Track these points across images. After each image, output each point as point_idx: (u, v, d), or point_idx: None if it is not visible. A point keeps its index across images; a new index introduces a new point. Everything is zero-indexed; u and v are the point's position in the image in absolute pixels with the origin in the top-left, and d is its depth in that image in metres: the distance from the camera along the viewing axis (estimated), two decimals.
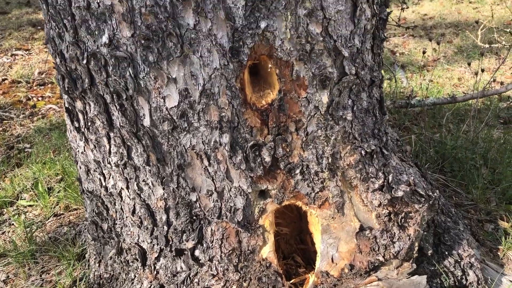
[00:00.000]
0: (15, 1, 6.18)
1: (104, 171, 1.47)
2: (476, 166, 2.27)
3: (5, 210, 2.22)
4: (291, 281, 1.53)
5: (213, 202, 1.38)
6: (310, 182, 1.38)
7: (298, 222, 1.68)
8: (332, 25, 1.22)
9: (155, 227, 1.45)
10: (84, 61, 1.26)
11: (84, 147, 1.47)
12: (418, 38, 4.98)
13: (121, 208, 1.50)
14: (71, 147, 1.61)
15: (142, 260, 1.51)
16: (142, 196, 1.42)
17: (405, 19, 5.55)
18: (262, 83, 1.32)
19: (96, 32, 1.21)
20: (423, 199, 1.44)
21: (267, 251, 1.43)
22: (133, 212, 1.46)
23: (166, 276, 1.48)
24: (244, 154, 1.31)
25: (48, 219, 2.16)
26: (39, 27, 5.15)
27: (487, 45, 3.37)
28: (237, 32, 1.16)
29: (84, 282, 1.71)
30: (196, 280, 1.45)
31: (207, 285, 1.44)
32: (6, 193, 2.33)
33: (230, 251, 1.41)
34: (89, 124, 1.39)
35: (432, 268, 1.56)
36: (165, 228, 1.43)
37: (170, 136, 1.30)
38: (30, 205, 2.27)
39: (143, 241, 1.49)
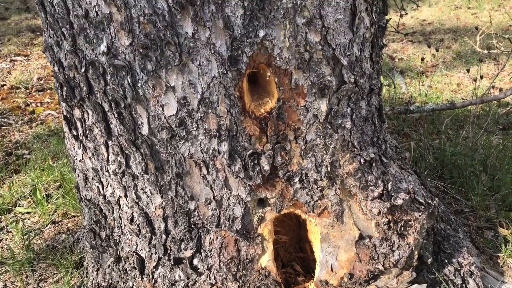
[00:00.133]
0: (14, 6, 6.19)
1: (102, 179, 1.46)
2: (476, 172, 2.26)
3: (3, 217, 2.21)
4: None
5: (211, 210, 1.38)
6: (309, 190, 1.37)
7: (297, 230, 1.68)
8: (331, 33, 1.22)
9: (153, 236, 1.44)
10: (82, 70, 1.26)
11: (82, 155, 1.47)
12: (417, 44, 5.00)
13: (119, 216, 1.49)
14: (69, 154, 1.60)
15: (140, 268, 1.50)
16: (140, 204, 1.42)
17: (403, 24, 5.56)
18: (261, 91, 1.32)
19: (95, 41, 1.21)
20: (423, 207, 1.44)
21: (266, 260, 1.42)
22: (131, 221, 1.46)
23: (164, 285, 1.47)
24: (243, 163, 1.31)
25: (46, 226, 2.15)
26: (38, 33, 5.15)
27: (485, 51, 3.38)
28: (235, 41, 1.16)
29: None
30: None
31: None
32: (4, 200, 2.32)
33: (229, 260, 1.40)
34: (87, 132, 1.38)
35: (432, 276, 1.55)
36: (164, 236, 1.43)
37: (168, 145, 1.30)
38: (28, 212, 2.26)
39: (141, 249, 1.48)
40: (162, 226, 1.42)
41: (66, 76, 1.32)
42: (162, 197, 1.37)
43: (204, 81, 1.21)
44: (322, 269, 1.45)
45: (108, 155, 1.37)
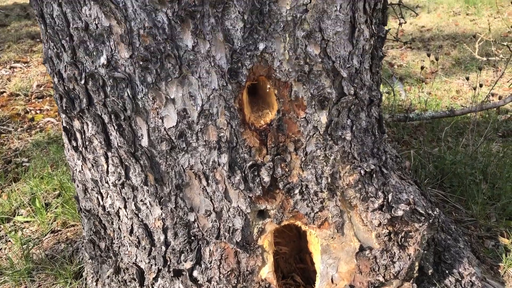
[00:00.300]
0: (14, 13, 6.20)
1: (101, 190, 1.45)
2: (476, 181, 2.26)
3: (1, 226, 2.20)
4: None
5: (211, 222, 1.37)
6: (310, 202, 1.37)
7: (298, 241, 1.67)
8: (331, 46, 1.22)
9: (153, 247, 1.44)
10: (82, 82, 1.26)
11: (81, 166, 1.46)
12: (416, 50, 5.01)
13: (119, 228, 1.49)
14: (69, 165, 1.60)
15: (140, 280, 1.49)
16: (140, 216, 1.41)
17: (402, 31, 5.58)
18: (260, 103, 1.32)
19: (94, 53, 1.21)
20: (423, 218, 1.44)
21: (266, 272, 1.42)
22: (131, 232, 1.45)
23: None
24: (243, 174, 1.31)
25: (45, 235, 2.14)
26: (38, 40, 5.16)
27: (484, 58, 3.38)
28: (235, 54, 1.16)
29: None
30: None
31: None
32: (3, 208, 2.31)
33: (229, 272, 1.39)
34: (87, 143, 1.38)
35: (433, 287, 1.55)
36: (163, 248, 1.42)
37: (168, 156, 1.30)
38: (27, 221, 2.25)
39: (141, 261, 1.48)
40: (162, 237, 1.41)
41: (66, 88, 1.31)
42: (161, 208, 1.37)
43: (204, 93, 1.21)
44: (322, 280, 1.45)
45: (108, 166, 1.37)
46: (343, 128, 1.33)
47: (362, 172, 1.37)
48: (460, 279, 1.59)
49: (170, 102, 1.22)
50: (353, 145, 1.35)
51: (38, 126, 3.34)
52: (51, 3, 1.22)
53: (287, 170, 1.33)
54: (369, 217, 1.39)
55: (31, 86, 3.96)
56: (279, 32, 1.16)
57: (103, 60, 1.20)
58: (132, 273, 1.50)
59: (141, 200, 1.38)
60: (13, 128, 3.28)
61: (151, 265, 1.45)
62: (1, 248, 2.07)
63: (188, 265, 1.40)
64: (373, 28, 1.33)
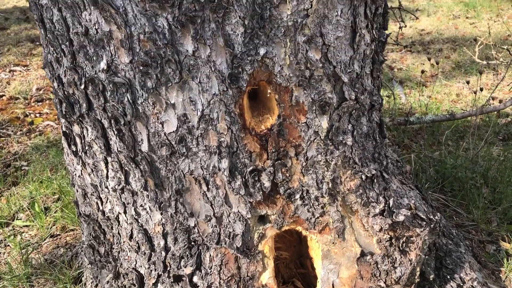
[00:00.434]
0: (14, 16, 6.21)
1: (101, 195, 1.45)
2: (477, 185, 2.25)
3: (0, 230, 2.19)
4: None
5: (211, 227, 1.36)
6: (310, 207, 1.36)
7: (298, 245, 1.66)
8: (332, 51, 1.22)
9: (152, 253, 1.43)
10: (82, 86, 1.25)
11: (81, 171, 1.46)
12: (416, 54, 5.01)
13: (119, 233, 1.48)
14: (69, 169, 1.59)
15: (140, 285, 1.48)
16: (139, 221, 1.40)
17: (402, 34, 5.58)
18: (261, 108, 1.31)
19: (94, 58, 1.21)
20: (424, 223, 1.43)
21: (267, 277, 1.41)
22: (131, 237, 1.44)
23: None
24: (243, 179, 1.30)
25: (45, 240, 2.13)
26: (37, 43, 5.16)
27: (485, 62, 3.38)
28: (236, 59, 1.16)
29: None
30: None
31: None
32: (2, 213, 2.30)
33: (229, 278, 1.38)
34: (86, 148, 1.38)
35: None
36: (163, 253, 1.41)
37: (168, 161, 1.29)
38: (26, 226, 2.24)
39: (141, 266, 1.47)
40: (162, 242, 1.40)
41: (66, 93, 1.31)
42: (161, 213, 1.36)
43: (205, 98, 1.20)
44: (323, 286, 1.44)
45: (108, 171, 1.36)
46: (344, 133, 1.33)
47: (363, 177, 1.36)
48: (461, 284, 1.58)
49: (170, 107, 1.22)
50: (354, 150, 1.35)
51: (37, 129, 3.34)
52: (51, 8, 1.22)
53: (287, 175, 1.32)
54: (370, 222, 1.39)
55: (30, 89, 3.96)
56: (280, 37, 1.15)
57: (103, 65, 1.20)
58: (132, 279, 1.49)
59: (141, 205, 1.38)
60: (12, 131, 3.27)
61: (151, 270, 1.45)
62: (0, 253, 2.06)
63: (188, 270, 1.40)
64: (374, 32, 1.32)
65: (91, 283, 1.69)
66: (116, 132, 1.28)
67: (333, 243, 1.41)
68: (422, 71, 2.79)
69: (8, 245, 2.10)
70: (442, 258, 1.64)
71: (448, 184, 2.29)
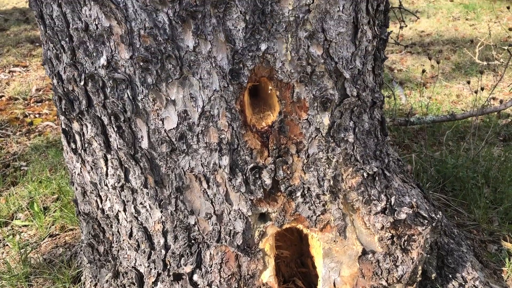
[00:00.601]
0: (14, 17, 6.20)
1: (100, 193, 1.44)
2: (478, 185, 2.25)
3: None
4: None
5: (212, 225, 1.35)
6: (311, 205, 1.35)
7: (299, 244, 1.65)
8: (333, 47, 1.21)
9: (152, 251, 1.42)
10: (82, 83, 1.24)
11: (80, 169, 1.45)
12: (415, 55, 5.01)
13: (118, 231, 1.47)
14: (68, 167, 1.58)
15: (139, 284, 1.47)
16: (139, 219, 1.39)
17: (402, 36, 5.58)
18: (262, 104, 1.30)
19: (94, 54, 1.20)
20: (426, 221, 1.42)
21: (268, 276, 1.40)
22: (130, 235, 1.43)
23: None
24: (244, 177, 1.29)
25: (43, 239, 2.12)
26: (37, 44, 5.15)
27: (485, 63, 3.38)
28: (237, 54, 1.15)
29: None
30: None
31: None
32: (1, 212, 2.29)
33: (230, 276, 1.37)
34: (86, 145, 1.37)
35: None
36: (163, 251, 1.40)
37: (168, 159, 1.28)
38: (25, 225, 2.23)
39: (140, 264, 1.46)
40: (162, 241, 1.39)
41: (65, 89, 1.30)
42: (161, 211, 1.35)
43: (205, 95, 1.19)
44: (324, 285, 1.43)
45: (107, 169, 1.35)
46: (346, 130, 1.32)
47: (365, 174, 1.35)
48: (463, 283, 1.57)
49: (171, 103, 1.21)
50: (355, 147, 1.34)
51: (37, 130, 3.32)
52: (50, 4, 1.21)
53: (288, 172, 1.31)
54: (372, 220, 1.38)
55: (30, 90, 3.95)
56: (281, 33, 1.15)
57: (103, 61, 1.19)
58: (131, 277, 1.48)
59: (141, 203, 1.36)
60: (11, 132, 3.26)
61: (151, 269, 1.43)
62: None
63: (188, 269, 1.38)
64: (376, 29, 1.32)
65: (90, 282, 1.68)
66: (116, 129, 1.27)
67: (334, 241, 1.39)
68: (423, 71, 2.79)
69: (7, 245, 2.09)
70: (444, 257, 1.63)
71: (449, 184, 2.29)
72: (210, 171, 1.29)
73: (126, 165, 1.32)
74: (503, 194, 2.19)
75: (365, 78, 1.32)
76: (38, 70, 4.45)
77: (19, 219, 2.27)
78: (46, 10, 1.23)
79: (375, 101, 1.38)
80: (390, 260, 1.40)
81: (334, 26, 1.19)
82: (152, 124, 1.24)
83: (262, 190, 1.30)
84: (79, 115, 1.31)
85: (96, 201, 1.46)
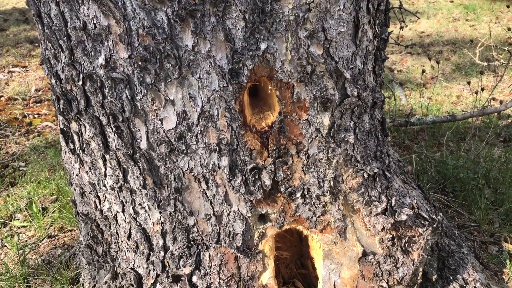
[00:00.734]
0: (13, 18, 6.19)
1: (99, 194, 1.43)
2: (478, 186, 2.24)
3: None
4: None
5: (211, 226, 1.34)
6: (312, 206, 1.34)
7: (299, 245, 1.64)
8: (334, 46, 1.20)
9: (151, 252, 1.41)
10: (80, 82, 1.23)
11: (79, 169, 1.43)
12: (415, 56, 5.00)
13: (117, 232, 1.46)
14: (66, 168, 1.57)
15: (138, 285, 1.46)
16: (138, 220, 1.38)
17: (402, 36, 5.57)
18: (262, 104, 1.29)
19: (92, 53, 1.19)
20: (427, 222, 1.41)
21: (267, 277, 1.38)
22: (129, 236, 1.42)
23: None
24: (244, 178, 1.28)
25: (42, 240, 2.10)
26: (36, 44, 5.14)
27: (485, 63, 3.37)
28: (236, 54, 1.14)
29: None
30: None
31: None
32: (0, 213, 2.28)
33: (229, 278, 1.36)
34: (84, 146, 1.35)
35: None
36: (162, 253, 1.39)
37: (167, 159, 1.27)
38: (23, 226, 2.22)
39: (139, 266, 1.44)
40: (161, 242, 1.38)
41: (63, 89, 1.29)
42: (160, 212, 1.34)
43: (204, 95, 1.18)
44: (324, 286, 1.42)
45: (106, 169, 1.34)
46: (346, 131, 1.31)
47: (365, 175, 1.34)
48: (464, 285, 1.56)
49: (170, 103, 1.20)
50: (356, 148, 1.33)
51: (36, 130, 3.31)
52: (48, 3, 1.20)
53: (288, 173, 1.30)
54: (372, 222, 1.37)
55: (29, 90, 3.94)
56: (281, 32, 1.13)
57: (101, 60, 1.18)
58: (130, 279, 1.46)
59: (140, 204, 1.35)
60: (10, 132, 3.25)
61: (150, 270, 1.42)
62: None
63: (187, 270, 1.37)
64: (376, 28, 1.31)
65: (89, 283, 1.67)
66: (114, 129, 1.26)
67: (334, 242, 1.38)
68: (423, 72, 2.78)
69: (5, 246, 2.08)
70: (445, 258, 1.62)
71: (450, 185, 2.28)
72: (209, 172, 1.27)
73: (124, 166, 1.30)
74: (504, 195, 2.18)
75: (365, 78, 1.31)
76: (37, 70, 4.44)
77: (18, 219, 2.26)
78: (44, 9, 1.22)
79: (375, 101, 1.37)
80: (390, 261, 1.39)
81: (335, 25, 1.18)
82: (150, 124, 1.23)
83: (261, 191, 1.29)
84: (77, 115, 1.30)
85: (95, 201, 1.45)
